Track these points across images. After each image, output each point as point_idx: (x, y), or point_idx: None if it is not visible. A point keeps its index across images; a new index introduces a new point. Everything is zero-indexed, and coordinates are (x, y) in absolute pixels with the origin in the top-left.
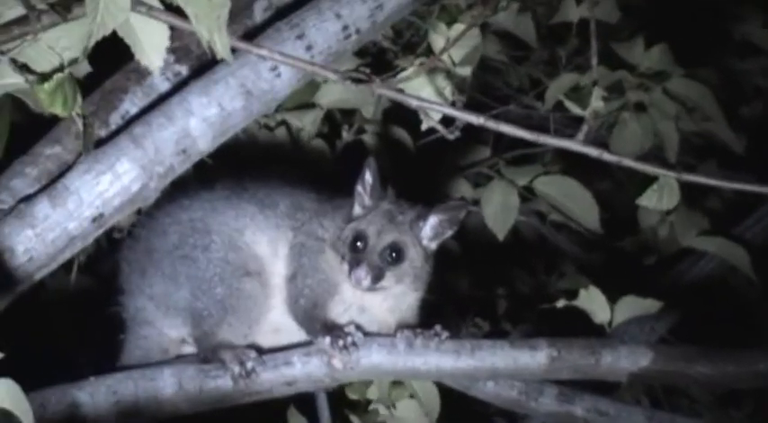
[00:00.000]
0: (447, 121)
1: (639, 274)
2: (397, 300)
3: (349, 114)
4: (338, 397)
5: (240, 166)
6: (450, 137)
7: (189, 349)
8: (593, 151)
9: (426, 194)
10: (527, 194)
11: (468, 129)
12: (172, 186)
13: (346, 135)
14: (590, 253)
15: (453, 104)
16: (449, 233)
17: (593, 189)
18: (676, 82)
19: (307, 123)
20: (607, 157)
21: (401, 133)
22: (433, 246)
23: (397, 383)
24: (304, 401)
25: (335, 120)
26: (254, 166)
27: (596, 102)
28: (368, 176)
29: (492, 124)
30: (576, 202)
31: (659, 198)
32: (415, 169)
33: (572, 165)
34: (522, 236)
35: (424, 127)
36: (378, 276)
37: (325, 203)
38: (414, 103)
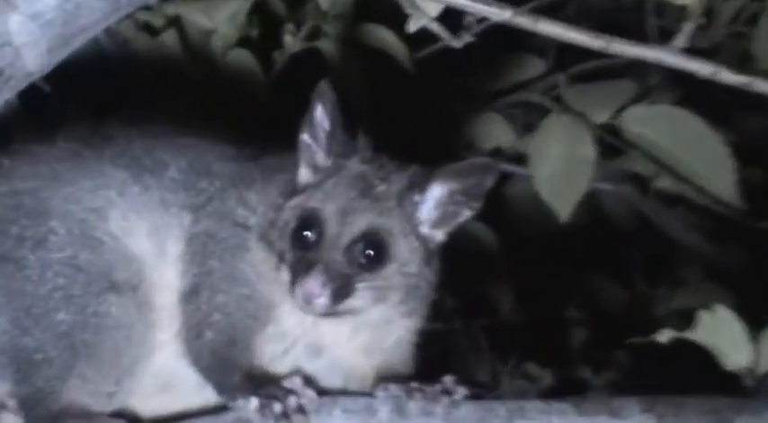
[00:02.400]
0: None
1: None
2: (378, 332)
3: (295, 5)
4: None
5: (102, 98)
6: (457, 44)
7: (9, 420)
8: (702, 67)
9: (430, 147)
10: (612, 141)
11: (498, 32)
12: None
13: (290, 42)
14: (722, 246)
15: None
16: (467, 214)
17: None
18: None
19: (220, 22)
20: (729, 77)
21: (386, 37)
22: (440, 236)
23: None
24: None
25: (273, 16)
26: (127, 99)
27: None
28: (321, 115)
29: (525, 21)
30: (700, 156)
31: None
32: (411, 102)
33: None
34: (605, 216)
35: (412, 27)
36: (342, 291)
37: (249, 164)
38: None
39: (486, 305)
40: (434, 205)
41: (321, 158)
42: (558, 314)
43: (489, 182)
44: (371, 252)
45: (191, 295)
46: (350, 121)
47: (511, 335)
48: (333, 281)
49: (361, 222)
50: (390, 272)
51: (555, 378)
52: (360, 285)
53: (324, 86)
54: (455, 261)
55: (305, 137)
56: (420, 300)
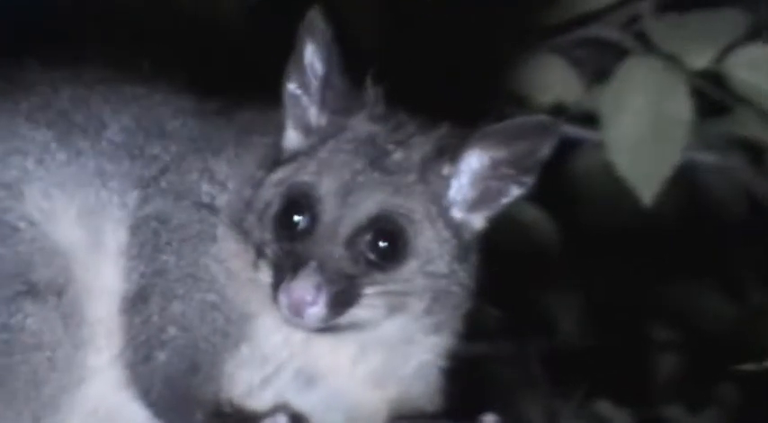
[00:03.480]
0: None
1: None
2: (393, 354)
3: None
4: None
5: (19, 32)
6: None
7: None
8: None
9: (464, 101)
10: (714, 94)
11: None
12: None
13: None
14: None
15: None
16: (516, 192)
17: None
18: None
19: None
20: None
21: None
22: (479, 222)
23: None
24: None
25: None
26: (53, 32)
27: None
28: (312, 56)
29: None
30: None
31: None
32: (438, 39)
33: None
34: (705, 199)
35: None
36: (343, 297)
37: (217, 123)
38: None
39: (543, 321)
40: (471, 180)
41: (314, 116)
42: (640, 335)
43: (547, 148)
44: (384, 244)
45: (137, 303)
46: (354, 64)
47: (575, 362)
48: (331, 283)
49: (370, 203)
50: (410, 271)
51: (634, 419)
52: (368, 290)
53: (315, 16)
54: (500, 259)
55: (291, 87)
56: (451, 310)
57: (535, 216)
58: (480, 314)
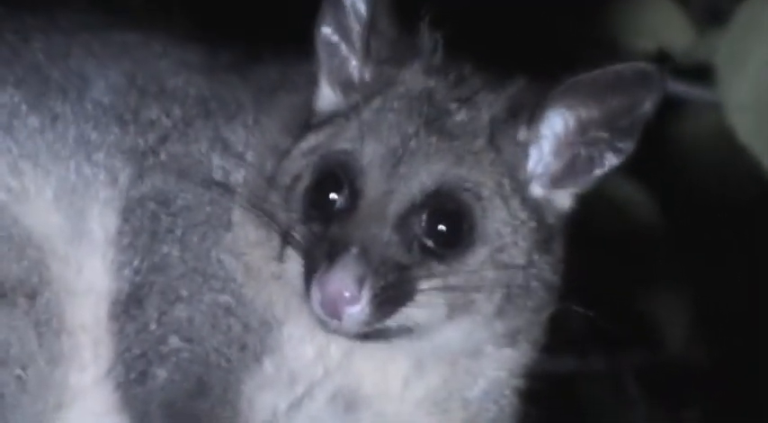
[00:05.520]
0: None
1: None
2: (457, 371)
3: None
4: None
5: None
6: None
7: None
8: None
9: (543, 46)
10: None
11: None
12: None
13: None
14: None
15: None
16: (611, 162)
17: None
18: None
19: None
20: None
21: None
22: (566, 201)
23: None
24: None
25: None
26: None
27: None
28: None
29: None
30: None
31: None
32: None
33: None
34: None
35: None
36: (392, 294)
37: (230, 80)
38: None
39: (643, 328)
40: (554, 147)
41: (356, 68)
42: (764, 349)
43: (649, 104)
44: (444, 227)
45: (130, 306)
46: (406, 3)
47: (685, 381)
48: (377, 275)
49: (427, 175)
50: (477, 261)
51: None
52: (424, 284)
53: None
54: (590, 249)
55: (326, 32)
56: (530, 313)
57: (633, 194)
58: (565, 319)
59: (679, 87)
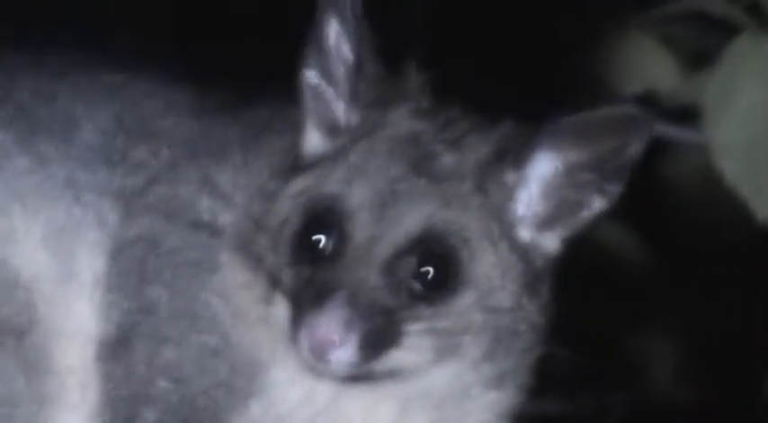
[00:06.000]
0: None
1: None
2: (444, 414)
3: None
4: None
5: None
6: None
7: None
8: None
9: (533, 90)
10: None
11: None
12: None
13: None
14: None
15: None
16: (598, 205)
17: None
18: None
19: None
20: None
21: None
22: (553, 244)
23: None
24: None
25: None
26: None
27: None
28: (338, 36)
29: None
30: None
31: None
32: (500, 15)
33: None
34: None
35: None
36: (379, 338)
37: (219, 121)
38: None
39: (632, 369)
40: (542, 190)
41: (342, 111)
42: (754, 389)
43: (636, 147)
44: (431, 270)
45: (118, 348)
46: (392, 45)
47: (672, 419)
48: (364, 319)
49: (414, 218)
50: (464, 305)
51: None
52: (411, 327)
53: None
54: (578, 291)
55: (311, 76)
56: (517, 356)
57: (621, 237)
58: (552, 361)
59: (667, 129)
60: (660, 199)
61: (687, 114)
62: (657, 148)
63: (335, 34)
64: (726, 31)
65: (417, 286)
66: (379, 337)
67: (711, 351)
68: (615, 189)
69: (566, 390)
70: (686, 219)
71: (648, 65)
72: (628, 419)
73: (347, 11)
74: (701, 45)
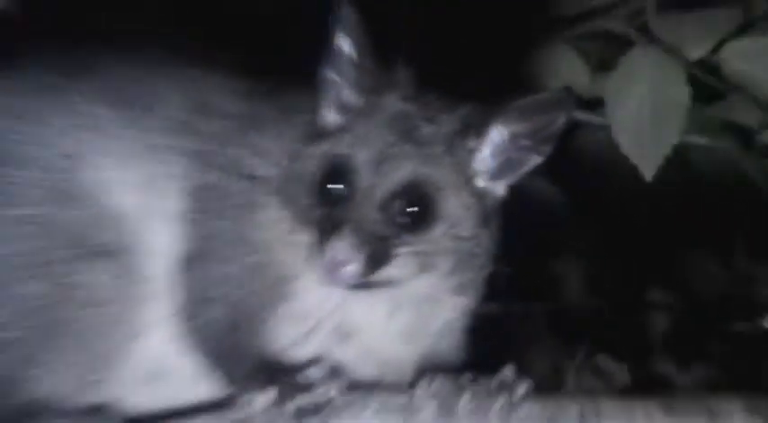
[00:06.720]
0: None
1: None
2: (422, 311)
3: None
4: None
5: (79, 15)
6: None
7: None
8: None
9: (484, 85)
10: (710, 82)
11: None
12: None
13: None
14: None
15: None
16: (535, 160)
17: None
18: None
19: None
20: None
21: None
22: (500, 190)
23: None
24: None
25: None
26: (112, 16)
27: None
28: (345, 44)
29: None
30: None
31: None
32: (461, 27)
33: None
34: (700, 177)
35: None
36: (377, 257)
37: (264, 103)
38: None
39: (551, 284)
40: (494, 152)
41: (349, 96)
42: (637, 297)
43: (562, 119)
44: (414, 209)
45: (191, 263)
46: (385, 48)
47: (580, 321)
48: (366, 244)
49: (402, 172)
50: (438, 234)
51: (631, 374)
52: (400, 250)
53: (345, 7)
54: (514, 226)
55: (328, 71)
56: (474, 272)
57: (546, 189)
58: (496, 277)
59: (580, 114)
60: (575, 161)
61: (594, 104)
62: (573, 127)
63: (343, 42)
64: (623, 44)
65: (405, 220)
66: (377, 256)
67: (609, 268)
68: (547, 149)
69: (505, 297)
70: (593, 175)
71: (568, 68)
72: (547, 320)
73: (351, 26)
74: (606, 55)
